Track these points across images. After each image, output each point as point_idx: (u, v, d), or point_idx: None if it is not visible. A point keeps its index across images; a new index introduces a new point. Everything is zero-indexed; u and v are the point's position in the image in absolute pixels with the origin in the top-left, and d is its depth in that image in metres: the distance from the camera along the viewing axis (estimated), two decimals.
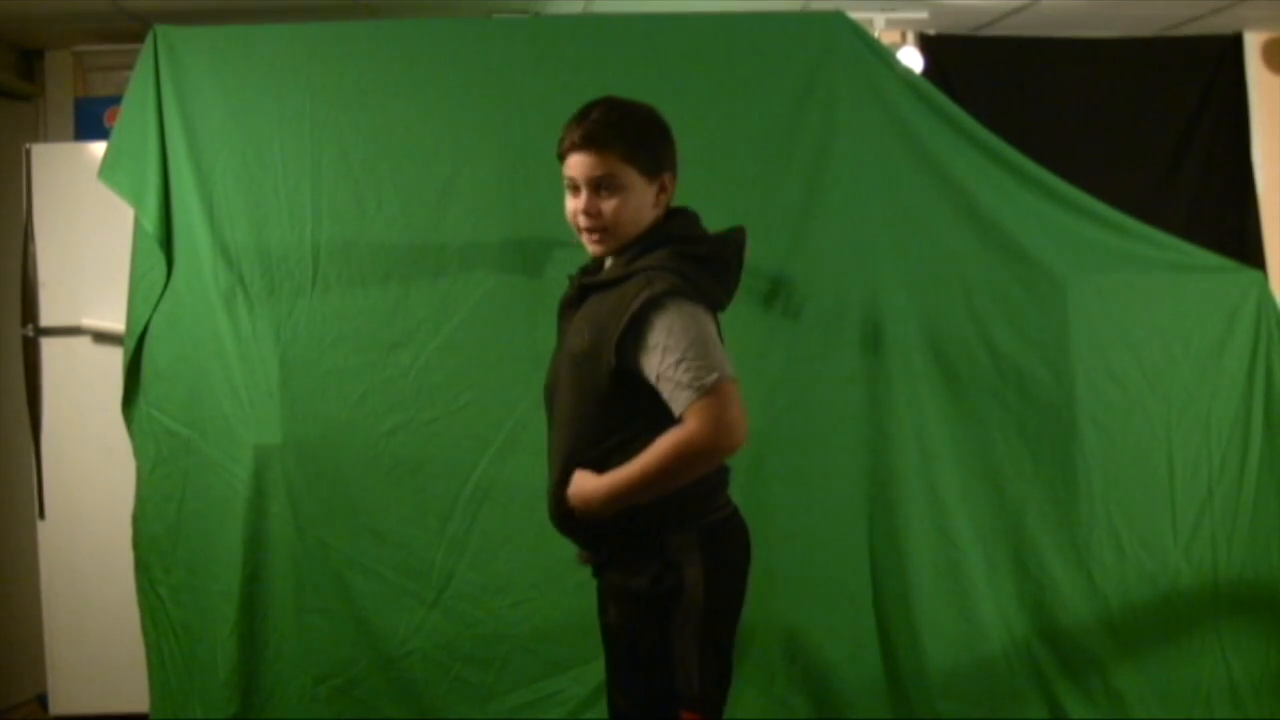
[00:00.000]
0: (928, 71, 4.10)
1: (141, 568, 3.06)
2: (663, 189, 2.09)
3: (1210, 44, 4.46)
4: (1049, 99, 4.35)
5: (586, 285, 2.13)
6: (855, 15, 3.23)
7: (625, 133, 2.04)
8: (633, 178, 2.04)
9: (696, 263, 2.06)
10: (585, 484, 2.03)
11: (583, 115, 2.07)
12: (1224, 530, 3.17)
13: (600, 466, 2.03)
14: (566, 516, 2.09)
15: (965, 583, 3.11)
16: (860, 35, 3.16)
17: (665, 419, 1.97)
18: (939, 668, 3.08)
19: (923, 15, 4.06)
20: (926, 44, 4.30)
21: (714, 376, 1.93)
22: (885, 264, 3.13)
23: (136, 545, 3.06)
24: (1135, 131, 4.41)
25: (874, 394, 3.12)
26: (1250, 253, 4.32)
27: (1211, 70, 4.46)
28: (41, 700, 3.68)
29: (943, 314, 3.15)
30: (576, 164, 2.05)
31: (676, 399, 1.95)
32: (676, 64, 3.09)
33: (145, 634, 3.07)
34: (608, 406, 2.03)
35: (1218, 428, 3.17)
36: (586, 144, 2.03)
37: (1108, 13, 4.11)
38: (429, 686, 3.06)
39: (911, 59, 4.12)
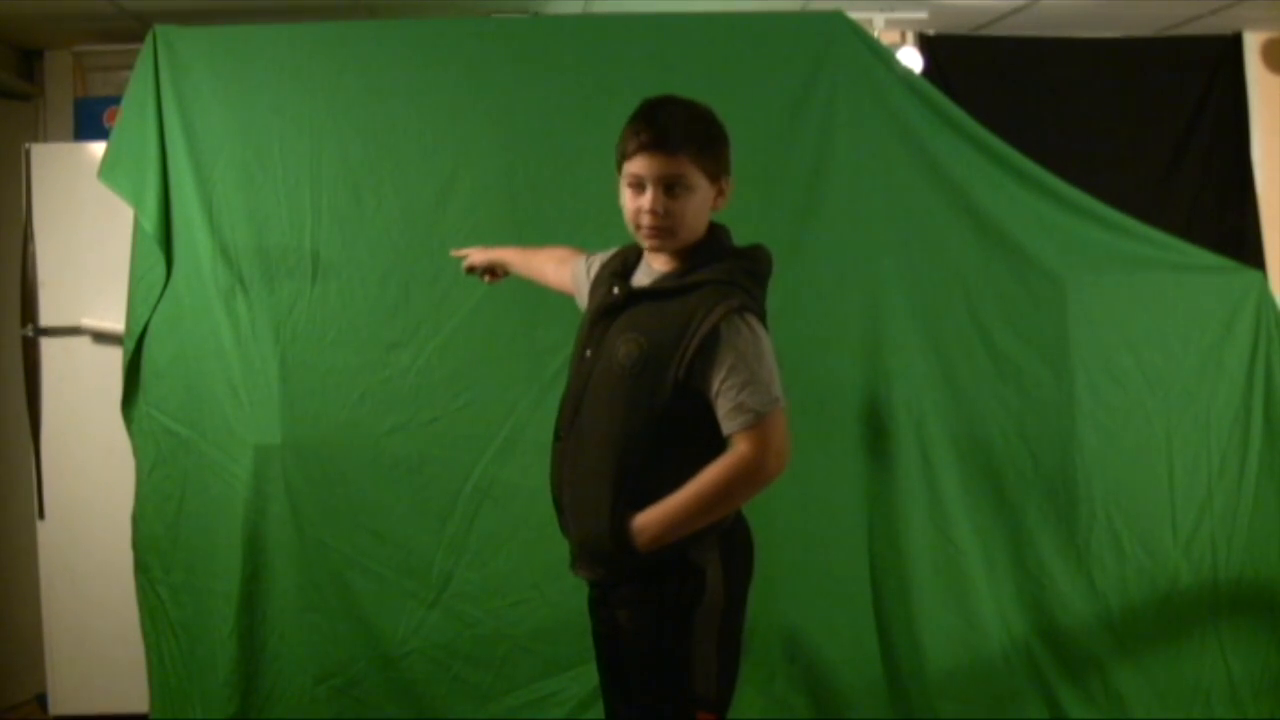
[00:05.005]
0: (927, 71, 4.10)
1: (141, 568, 3.07)
2: (720, 193, 2.08)
3: (1210, 44, 4.46)
4: (1049, 99, 4.34)
5: (636, 293, 2.09)
6: (855, 15, 3.23)
7: (695, 135, 2.03)
8: (699, 179, 2.03)
9: (754, 278, 2.07)
10: (638, 520, 1.99)
11: (649, 115, 2.04)
12: (1224, 530, 3.17)
13: (648, 486, 1.99)
14: (626, 549, 2.00)
15: (965, 583, 3.11)
16: (860, 35, 3.16)
17: (718, 437, 1.98)
18: (939, 668, 3.09)
19: (922, 15, 4.06)
20: (926, 44, 4.30)
21: (773, 405, 1.96)
22: (885, 264, 3.13)
23: (136, 545, 3.07)
24: (1135, 131, 4.40)
25: (874, 394, 3.12)
26: (1250, 253, 4.32)
27: (1211, 70, 4.46)
28: (41, 700, 3.68)
29: (943, 314, 3.15)
30: (646, 163, 2.02)
31: (732, 419, 1.95)
32: (676, 64, 3.09)
33: (145, 634, 3.07)
34: (663, 422, 1.99)
35: (1218, 428, 3.17)
36: (659, 144, 2.00)
37: (1108, 13, 4.11)
38: (429, 686, 3.06)
39: (911, 59, 4.12)
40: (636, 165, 2.04)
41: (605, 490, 2.02)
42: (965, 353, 3.15)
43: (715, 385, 1.97)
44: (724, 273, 2.03)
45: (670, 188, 2.02)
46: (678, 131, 2.01)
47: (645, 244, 2.10)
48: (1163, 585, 3.15)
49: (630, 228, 2.09)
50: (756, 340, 1.98)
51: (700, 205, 2.05)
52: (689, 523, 1.98)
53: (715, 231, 2.12)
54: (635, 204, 2.05)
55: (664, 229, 2.04)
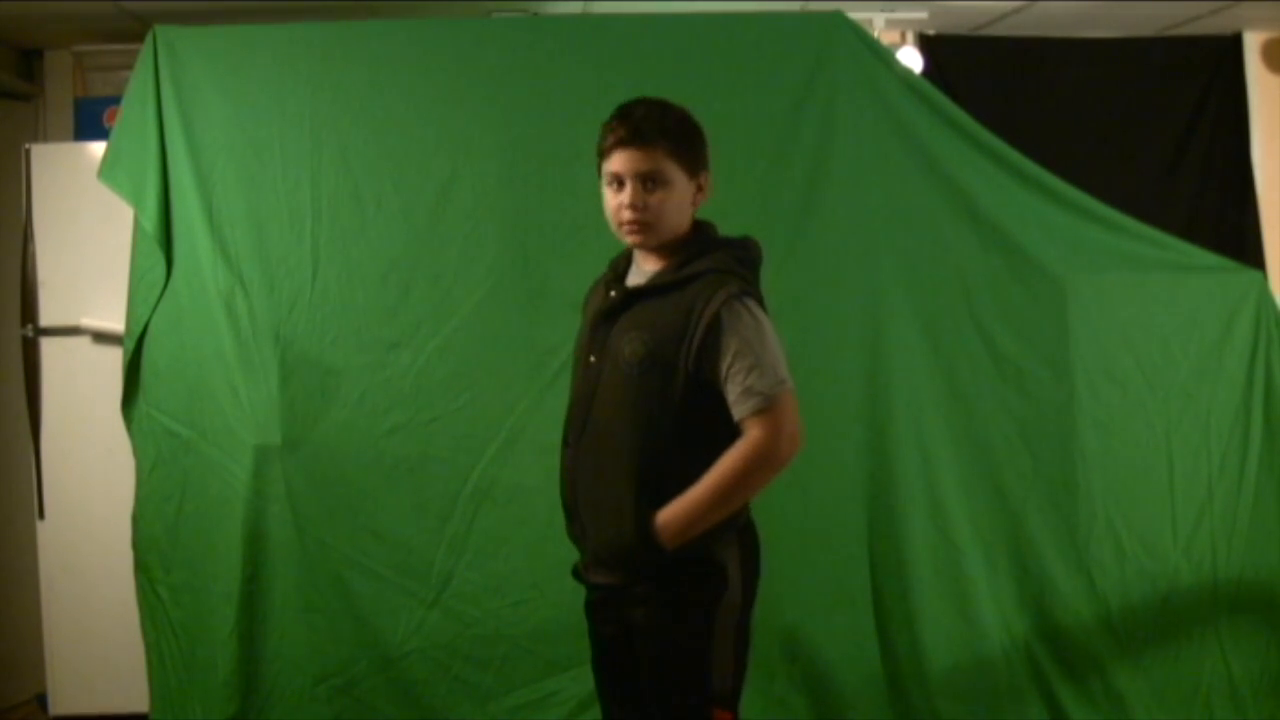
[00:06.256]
0: (927, 71, 4.10)
1: (141, 568, 3.06)
2: (700, 189, 2.11)
3: (1210, 44, 4.46)
4: (1049, 99, 4.35)
5: (634, 292, 2.09)
6: (855, 15, 3.24)
7: (669, 130, 2.05)
8: (676, 174, 2.05)
9: (747, 265, 2.09)
10: (661, 518, 1.99)
11: (626, 113, 2.07)
12: (1224, 530, 3.17)
13: (668, 482, 1.99)
14: (652, 548, 1.99)
15: (965, 583, 3.11)
16: (860, 35, 3.17)
17: (731, 426, 1.98)
18: (939, 668, 3.09)
19: (922, 15, 4.06)
20: (926, 44, 4.30)
21: (781, 387, 1.97)
22: (885, 264, 3.13)
23: (136, 545, 3.07)
24: (1135, 131, 4.41)
25: (874, 394, 3.12)
26: (1250, 253, 4.32)
27: (1211, 70, 4.46)
28: (41, 700, 3.68)
29: (943, 314, 3.15)
30: (622, 159, 2.05)
31: (741, 404, 1.97)
32: (676, 64, 3.09)
33: (145, 634, 3.07)
34: (677, 416, 2.00)
35: (1217, 428, 3.17)
36: (633, 139, 2.03)
37: (1107, 13, 4.11)
38: (429, 686, 3.06)
39: (911, 59, 4.12)
40: (614, 162, 2.06)
41: (627, 491, 2.02)
42: (965, 353, 3.15)
43: (722, 371, 1.98)
44: (718, 262, 2.05)
45: (647, 182, 2.04)
46: (652, 127, 2.04)
47: (627, 240, 2.11)
48: (1163, 585, 3.16)
49: (613, 226, 2.11)
50: (758, 324, 2.00)
51: (680, 200, 2.07)
52: (710, 514, 1.98)
53: (702, 227, 2.14)
54: (615, 201, 2.08)
55: (643, 223, 2.06)
